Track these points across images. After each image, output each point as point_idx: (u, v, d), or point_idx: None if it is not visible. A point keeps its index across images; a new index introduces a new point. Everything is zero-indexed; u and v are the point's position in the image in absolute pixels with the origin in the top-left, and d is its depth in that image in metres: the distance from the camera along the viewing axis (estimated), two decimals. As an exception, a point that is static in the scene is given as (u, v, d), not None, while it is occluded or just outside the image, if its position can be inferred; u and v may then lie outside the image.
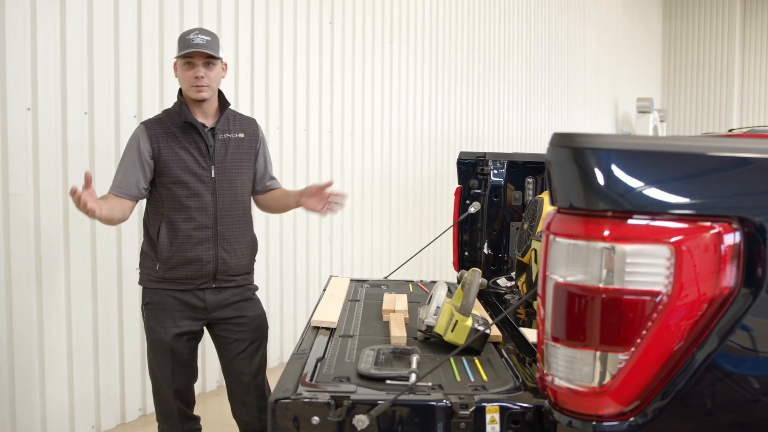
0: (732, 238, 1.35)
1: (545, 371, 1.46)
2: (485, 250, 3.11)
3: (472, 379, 1.67)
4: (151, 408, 3.87)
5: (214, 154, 2.64)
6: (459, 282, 2.12)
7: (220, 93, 2.76)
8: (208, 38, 2.61)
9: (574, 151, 1.40)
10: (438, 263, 6.84)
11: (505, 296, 2.79)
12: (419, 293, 2.78)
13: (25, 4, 3.18)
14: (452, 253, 3.22)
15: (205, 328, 2.80)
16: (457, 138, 7.30)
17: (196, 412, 2.88)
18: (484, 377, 1.69)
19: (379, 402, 1.49)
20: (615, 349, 1.35)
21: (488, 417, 1.50)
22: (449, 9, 7.08)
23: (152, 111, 3.81)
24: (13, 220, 3.19)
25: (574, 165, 1.40)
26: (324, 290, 2.71)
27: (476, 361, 1.82)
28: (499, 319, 1.89)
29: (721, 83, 16.02)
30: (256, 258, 2.90)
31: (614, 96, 13.27)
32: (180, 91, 2.72)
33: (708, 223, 1.34)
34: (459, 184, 3.16)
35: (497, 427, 1.49)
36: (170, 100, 3.89)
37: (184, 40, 2.59)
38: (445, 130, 7.08)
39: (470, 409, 1.48)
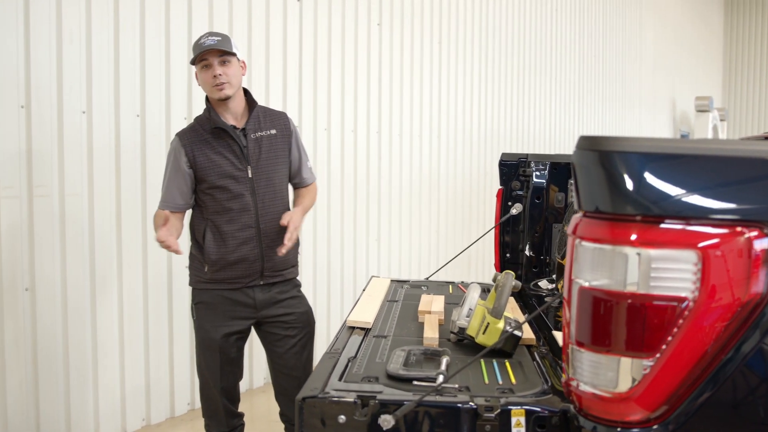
0: (763, 244, 1.32)
1: (570, 376, 1.45)
2: (527, 252, 3.09)
3: (500, 382, 1.67)
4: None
5: (248, 155, 2.69)
6: (494, 284, 2.11)
7: (246, 92, 2.81)
8: (219, 38, 2.64)
9: (601, 155, 1.39)
10: (487, 264, 6.81)
11: (546, 299, 2.77)
12: (458, 294, 2.78)
13: (80, 11, 3.31)
14: (494, 254, 3.21)
15: (251, 327, 2.85)
16: (506, 138, 7.24)
17: (242, 408, 2.95)
18: (513, 380, 1.69)
19: (405, 402, 1.51)
20: (640, 354, 1.33)
21: (514, 420, 1.50)
22: (499, 8, 7.03)
23: (200, 112, 3.92)
24: (68, 220, 3.32)
25: (601, 168, 1.39)
26: (363, 290, 2.74)
27: (507, 363, 1.82)
28: (528, 319, 1.88)
29: (787, 81, 15.46)
30: (300, 254, 2.94)
31: (672, 95, 12.94)
32: (207, 97, 2.77)
33: (738, 228, 1.31)
34: (501, 185, 3.15)
35: (522, 430, 1.49)
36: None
37: (196, 46, 2.64)
38: (495, 130, 7.03)
39: (495, 412, 1.49)
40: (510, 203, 3.10)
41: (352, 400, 1.51)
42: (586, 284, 1.39)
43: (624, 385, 1.35)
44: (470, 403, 1.51)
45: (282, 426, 3.00)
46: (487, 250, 6.04)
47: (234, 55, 2.67)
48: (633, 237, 1.34)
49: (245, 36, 4.21)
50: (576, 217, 1.46)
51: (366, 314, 2.26)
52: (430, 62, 5.97)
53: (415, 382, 1.63)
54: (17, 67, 3.09)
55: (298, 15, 4.61)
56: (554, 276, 2.95)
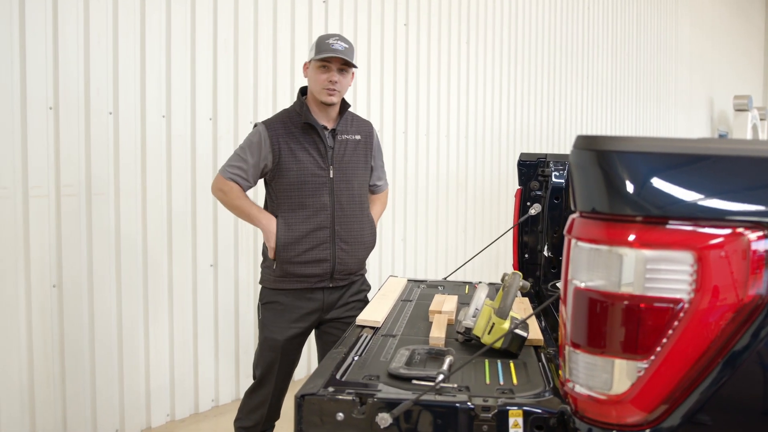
0: (762, 245, 1.29)
1: (566, 377, 1.44)
2: (545, 253, 3.07)
3: (502, 382, 1.67)
4: (223, 399, 4.06)
5: (333, 156, 2.70)
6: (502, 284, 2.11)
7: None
8: (347, 46, 2.66)
9: (599, 154, 1.38)
10: (510, 265, 6.75)
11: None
12: (472, 295, 2.78)
13: (107, 14, 3.38)
14: (512, 255, 3.19)
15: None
16: (537, 138, 7.19)
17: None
18: (515, 380, 1.68)
19: (403, 401, 1.51)
20: (634, 356, 1.32)
21: (511, 421, 1.49)
22: (529, 6, 6.98)
23: (227, 114, 3.98)
24: (95, 219, 3.39)
25: (597, 168, 1.38)
26: (379, 290, 2.75)
27: (511, 364, 1.81)
28: (527, 318, 1.87)
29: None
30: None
31: (710, 94, 12.68)
32: (301, 90, 2.80)
33: (735, 229, 1.29)
34: (519, 185, 3.13)
35: (520, 431, 1.49)
36: (244, 104, 4.07)
37: (323, 44, 2.63)
38: (524, 130, 6.98)
39: (492, 412, 1.49)
40: (528, 203, 3.08)
41: (350, 397, 1.52)
42: (582, 285, 1.38)
43: (619, 387, 1.34)
44: (468, 403, 1.51)
45: None
46: (502, 251, 5.99)
47: (355, 67, 2.72)
48: (629, 237, 1.33)
49: (270, 37, 4.25)
50: (572, 218, 1.45)
51: (376, 313, 2.27)
52: (458, 62, 5.96)
53: (415, 381, 1.63)
54: (45, 69, 3.17)
55: (324, 16, 4.64)
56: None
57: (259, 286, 3.76)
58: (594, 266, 1.37)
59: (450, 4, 5.82)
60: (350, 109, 2.87)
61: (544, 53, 7.29)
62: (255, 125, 2.76)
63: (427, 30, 5.57)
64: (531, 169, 3.10)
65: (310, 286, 2.72)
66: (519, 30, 6.83)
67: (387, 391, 1.57)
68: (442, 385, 1.59)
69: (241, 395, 4.17)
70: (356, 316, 2.71)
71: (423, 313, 2.38)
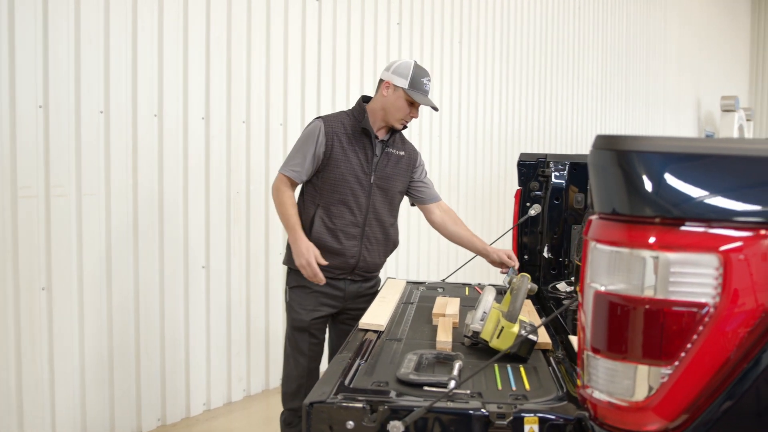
0: (787, 248, 1.26)
1: (585, 383, 1.40)
2: (545, 254, 3.04)
3: (514, 388, 1.63)
4: (254, 390, 4.06)
5: (377, 163, 2.85)
6: (509, 287, 2.07)
7: None
8: (431, 85, 2.87)
9: (618, 154, 1.34)
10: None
11: (564, 301, 2.72)
12: (474, 297, 2.74)
13: (99, 12, 3.31)
14: (512, 256, 3.16)
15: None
16: (528, 138, 7.17)
17: (261, 407, 3.02)
18: (527, 386, 1.65)
19: (415, 408, 1.47)
20: (657, 362, 1.28)
21: (527, 428, 1.45)
22: (520, 6, 6.96)
23: (219, 113, 3.92)
24: (85, 219, 3.32)
25: (618, 169, 1.34)
26: (378, 292, 2.70)
27: (521, 369, 1.77)
28: (543, 323, 1.84)
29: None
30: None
31: (697, 94, 12.74)
32: (363, 98, 2.92)
33: (761, 231, 1.26)
34: (519, 186, 3.10)
35: (536, 438, 1.45)
36: (237, 103, 4.01)
37: (418, 82, 2.78)
38: (516, 130, 6.96)
39: (508, 419, 1.45)
40: (528, 204, 3.05)
41: (361, 405, 1.48)
42: (602, 289, 1.34)
43: (641, 394, 1.30)
44: (482, 410, 1.47)
45: None
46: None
47: (436, 110, 2.95)
48: (651, 240, 1.29)
49: (264, 36, 4.20)
50: (590, 219, 1.41)
51: (379, 317, 2.22)
52: (450, 62, 5.92)
53: (426, 388, 1.59)
54: (35, 67, 3.10)
55: (317, 15, 4.59)
56: (573, 278, 2.89)
57: (255, 288, 3.72)
58: (615, 269, 1.33)
59: (443, 4, 5.78)
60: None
61: (536, 53, 7.27)
62: (313, 120, 2.88)
63: (420, 29, 5.53)
64: (531, 169, 3.07)
65: (334, 276, 2.84)
66: (511, 30, 6.80)
67: (398, 398, 1.53)
68: (455, 391, 1.55)
69: (233, 399, 4.15)
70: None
71: (426, 316, 2.34)
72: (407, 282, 2.91)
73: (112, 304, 3.46)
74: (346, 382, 1.63)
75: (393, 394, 1.55)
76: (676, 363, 1.27)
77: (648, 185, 1.30)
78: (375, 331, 2.12)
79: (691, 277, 1.26)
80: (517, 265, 2.82)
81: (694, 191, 1.29)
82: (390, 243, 2.99)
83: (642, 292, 1.29)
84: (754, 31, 16.06)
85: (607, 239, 1.35)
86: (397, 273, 5.38)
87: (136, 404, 3.61)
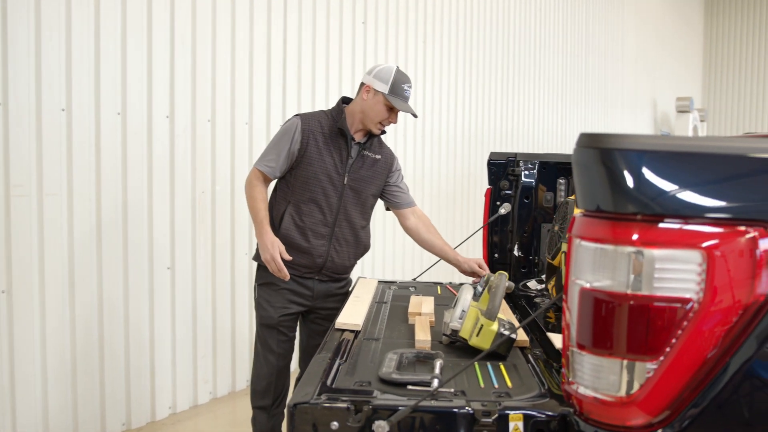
0: (768, 244, 1.29)
1: (570, 379, 1.41)
2: (516, 252, 3.06)
3: (496, 386, 1.63)
4: (221, 392, 4.04)
5: (351, 165, 2.83)
6: (486, 285, 2.07)
7: None
8: (411, 92, 2.85)
9: (602, 152, 1.35)
10: None
11: (536, 299, 2.74)
12: (447, 296, 2.75)
13: (60, 6, 3.22)
14: (482, 254, 3.17)
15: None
16: (491, 138, 7.23)
17: (243, 405, 3.01)
18: (509, 383, 1.65)
19: (400, 408, 1.46)
20: (643, 357, 1.30)
21: (511, 425, 1.46)
22: (484, 7, 7.01)
23: (184, 111, 3.86)
24: (47, 220, 3.23)
25: (601, 166, 1.35)
26: (350, 291, 2.69)
27: (501, 366, 1.78)
28: (526, 323, 1.84)
29: (765, 82, 15.61)
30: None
31: (653, 95, 13.01)
32: (343, 99, 2.91)
33: (742, 228, 1.28)
34: (489, 185, 3.11)
35: (521, 435, 1.45)
36: (203, 100, 3.95)
37: (399, 88, 2.77)
38: (479, 129, 7.01)
39: (493, 417, 1.45)
40: (498, 203, 3.07)
41: (345, 405, 1.46)
42: (588, 285, 1.35)
43: (627, 389, 1.32)
44: (467, 408, 1.46)
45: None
46: (472, 251, 6.00)
47: (415, 116, 2.96)
48: (635, 237, 1.30)
49: (229, 34, 4.14)
50: (575, 217, 1.42)
51: (355, 316, 2.21)
52: (415, 61, 5.93)
53: (410, 387, 1.58)
54: (-6, 63, 3.01)
55: (283, 13, 4.55)
56: (543, 276, 2.92)
57: (221, 289, 3.67)
58: (599, 266, 1.34)
59: (407, 4, 5.79)
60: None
61: (499, 54, 7.33)
62: (292, 116, 2.87)
63: (385, 29, 5.53)
64: (501, 168, 3.09)
65: (301, 274, 2.83)
66: (474, 30, 6.85)
67: (382, 398, 1.52)
68: (438, 390, 1.55)
69: (200, 401, 4.09)
70: (340, 308, 2.80)
71: (401, 315, 2.33)
72: (379, 281, 2.89)
73: (75, 307, 3.38)
74: (329, 382, 1.61)
75: (376, 393, 1.54)
76: (662, 358, 1.29)
77: (631, 182, 1.31)
78: (352, 331, 2.11)
79: (675, 273, 1.28)
80: (488, 273, 2.83)
81: (676, 188, 1.31)
82: (360, 246, 2.97)
83: (627, 288, 1.30)
84: (706, 35, 16.48)
85: (591, 236, 1.36)
86: (363, 271, 5.36)
87: (100, 408, 3.53)
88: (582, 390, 1.38)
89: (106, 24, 3.43)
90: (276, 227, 2.80)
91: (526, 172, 3.04)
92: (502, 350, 1.83)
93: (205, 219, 4.06)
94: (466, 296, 1.95)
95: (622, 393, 1.32)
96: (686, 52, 15.30)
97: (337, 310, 2.85)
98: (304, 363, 3.01)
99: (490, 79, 7.20)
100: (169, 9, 3.76)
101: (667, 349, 1.29)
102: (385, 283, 2.92)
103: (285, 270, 2.69)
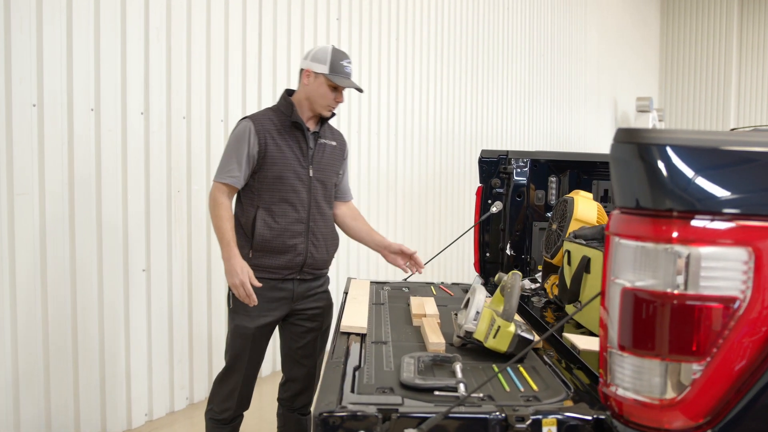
0: (814, 240, 1.26)
1: (608, 381, 1.37)
2: (508, 251, 3.02)
3: (522, 389, 1.58)
4: (157, 413, 3.80)
5: (313, 156, 2.76)
6: (497, 285, 2.02)
7: None
8: (353, 67, 2.76)
9: (642, 147, 1.31)
10: (453, 264, 6.78)
11: (532, 298, 2.70)
12: (443, 296, 2.70)
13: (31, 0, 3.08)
14: (473, 254, 3.13)
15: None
16: (461, 136, 7.21)
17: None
18: (534, 387, 1.60)
19: (429, 415, 1.40)
20: (689, 359, 1.26)
21: (545, 430, 1.41)
22: (455, 6, 6.99)
23: (159, 107, 3.73)
24: (18, 220, 3.08)
25: (640, 162, 1.31)
26: (345, 293, 2.62)
27: (521, 369, 1.73)
28: (557, 328, 1.80)
29: (719, 82, 16.00)
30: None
31: (614, 95, 13.21)
32: (287, 91, 2.81)
33: (788, 224, 1.26)
34: (480, 183, 3.07)
35: (554, 440, 1.41)
36: (178, 96, 3.83)
37: (338, 65, 2.68)
38: (450, 128, 6.99)
39: (527, 422, 1.39)
40: (490, 201, 3.03)
41: (372, 413, 1.39)
42: (629, 285, 1.31)
43: (671, 391, 1.28)
44: (498, 414, 1.41)
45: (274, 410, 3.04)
46: (454, 250, 5.97)
47: (361, 91, 2.82)
48: (678, 234, 1.26)
49: (204, 29, 4.02)
50: (613, 214, 1.38)
51: (358, 319, 2.14)
52: (387, 59, 5.88)
53: (437, 393, 1.51)
54: (-39, 55, 2.85)
55: (258, 8, 4.44)
56: (537, 275, 2.89)
57: (197, 292, 3.58)
58: (641, 265, 1.30)
59: (380, 1, 5.72)
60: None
61: (469, 53, 7.32)
62: (240, 121, 2.75)
63: (359, 25, 5.46)
64: (492, 166, 3.05)
65: (281, 277, 2.74)
66: (446, 29, 6.82)
67: (409, 405, 1.45)
68: (465, 394, 1.49)
69: (176, 408, 3.96)
70: (321, 306, 2.83)
71: (404, 317, 2.27)
72: (371, 282, 2.83)
73: (48, 311, 3.23)
74: (350, 389, 1.54)
75: (402, 400, 1.47)
76: (708, 359, 1.25)
77: (673, 178, 1.28)
78: (358, 334, 2.04)
79: (722, 271, 1.25)
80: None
81: (720, 184, 1.28)
82: (335, 236, 2.90)
83: (672, 287, 1.26)
84: (663, 37, 16.81)
85: (631, 234, 1.32)
86: (337, 270, 5.29)
87: (74, 416, 3.38)
88: (621, 392, 1.34)
89: (79, 16, 3.29)
90: (250, 234, 2.70)
91: (518, 170, 3.00)
92: (519, 352, 1.78)
93: (181, 219, 3.93)
94: (479, 297, 1.90)
95: (666, 395, 1.29)
96: (645, 54, 15.59)
97: (319, 309, 2.82)
98: (287, 367, 2.92)
99: (461, 78, 7.19)
100: (144, 3, 3.62)
101: (714, 350, 1.25)
102: (377, 284, 2.85)
103: (254, 296, 2.59)
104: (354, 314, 2.20)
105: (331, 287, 2.95)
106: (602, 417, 1.41)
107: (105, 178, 3.46)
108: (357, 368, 1.71)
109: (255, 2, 4.41)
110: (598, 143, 11.88)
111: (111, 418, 3.56)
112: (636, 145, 1.32)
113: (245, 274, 2.57)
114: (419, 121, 6.41)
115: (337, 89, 2.71)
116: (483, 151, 3.06)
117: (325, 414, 1.40)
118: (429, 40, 6.53)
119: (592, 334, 2.06)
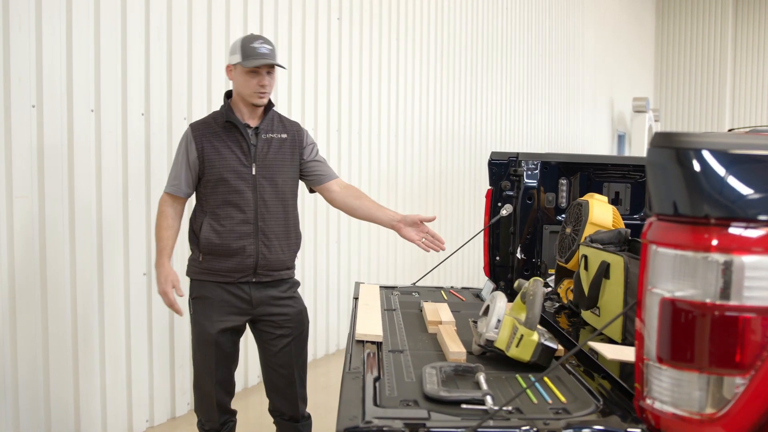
0: None
1: (645, 394, 1.32)
2: (518, 255, 2.97)
3: (550, 401, 1.53)
4: (158, 419, 3.74)
5: (255, 153, 2.70)
6: (518, 292, 1.97)
7: None
8: (271, 47, 2.68)
9: (680, 152, 1.26)
10: (459, 268, 6.74)
11: (544, 303, 2.65)
12: (455, 301, 2.65)
13: (30, 1, 3.01)
14: (483, 257, 3.08)
15: (247, 324, 2.85)
16: (461, 136, 7.17)
17: (236, 406, 2.90)
18: (562, 398, 1.55)
19: (458, 430, 1.35)
20: (731, 372, 1.21)
21: (577, 444, 1.36)
22: (455, 6, 6.95)
23: (160, 107, 3.68)
24: (17, 223, 3.01)
25: (678, 167, 1.26)
26: (356, 299, 2.56)
27: (546, 379, 1.68)
28: (591, 338, 1.75)
29: (714, 83, 16.04)
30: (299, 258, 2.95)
31: (611, 95, 13.20)
32: (227, 93, 2.78)
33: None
34: (490, 185, 3.02)
35: (587, 455, 1.36)
36: (179, 97, 3.77)
37: (248, 48, 2.63)
38: (450, 128, 6.95)
39: (559, 437, 1.34)
40: (499, 204, 2.98)
41: (399, 428, 1.34)
42: (668, 295, 1.26)
43: (712, 406, 1.23)
44: (530, 428, 1.36)
45: (272, 420, 2.99)
46: (458, 252, 5.92)
47: (283, 68, 2.80)
48: (720, 242, 1.22)
49: (205, 30, 3.96)
50: (650, 221, 1.33)
51: (373, 326, 2.08)
52: (388, 59, 5.83)
53: (464, 406, 1.46)
54: (-40, 55, 2.78)
55: (259, 8, 4.38)
56: (548, 279, 2.84)
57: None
58: (681, 274, 1.25)
59: (381, 1, 5.67)
60: (283, 108, 2.79)
61: (468, 53, 7.28)
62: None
63: (359, 25, 5.41)
64: (502, 168, 3.00)
65: (234, 281, 2.71)
66: (445, 29, 6.78)
67: (436, 419, 1.40)
68: (494, 407, 1.44)
69: (178, 414, 3.90)
70: (289, 313, 2.79)
71: (418, 324, 2.22)
72: (380, 287, 2.77)
73: (48, 316, 3.16)
74: (372, 402, 1.49)
75: (428, 414, 1.42)
76: (752, 372, 1.21)
77: (715, 185, 1.23)
78: (373, 342, 1.98)
79: (767, 281, 1.20)
80: (435, 218, 2.73)
81: (763, 190, 1.23)
82: (293, 236, 2.81)
83: (714, 298, 1.22)
84: (658, 37, 16.84)
85: (669, 242, 1.27)
86: (338, 274, 5.23)
87: (75, 423, 3.31)
88: (659, 405, 1.30)
89: (79, 15, 3.22)
90: (197, 237, 2.71)
91: (528, 173, 2.95)
92: (543, 361, 1.73)
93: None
94: (500, 304, 1.84)
95: (707, 410, 1.24)
96: (640, 54, 15.60)
97: (287, 316, 2.77)
98: (267, 377, 2.88)
99: (461, 79, 7.15)
100: (144, 3, 3.56)
101: (759, 363, 1.21)
102: (386, 289, 2.80)
103: (177, 305, 2.64)
104: (368, 321, 2.15)
105: (339, 292, 2.90)
106: (637, 431, 1.36)
107: (105, 181, 3.40)
108: (377, 379, 1.66)
109: (256, 2, 4.35)
110: (595, 143, 11.87)
111: (112, 424, 3.49)
112: (673, 149, 1.27)
113: (168, 283, 2.64)
114: (419, 121, 6.36)
115: (257, 73, 2.65)
116: (493, 153, 3.01)
117: (349, 429, 1.34)
118: (429, 40, 6.48)
119: (611, 341, 2.02)
